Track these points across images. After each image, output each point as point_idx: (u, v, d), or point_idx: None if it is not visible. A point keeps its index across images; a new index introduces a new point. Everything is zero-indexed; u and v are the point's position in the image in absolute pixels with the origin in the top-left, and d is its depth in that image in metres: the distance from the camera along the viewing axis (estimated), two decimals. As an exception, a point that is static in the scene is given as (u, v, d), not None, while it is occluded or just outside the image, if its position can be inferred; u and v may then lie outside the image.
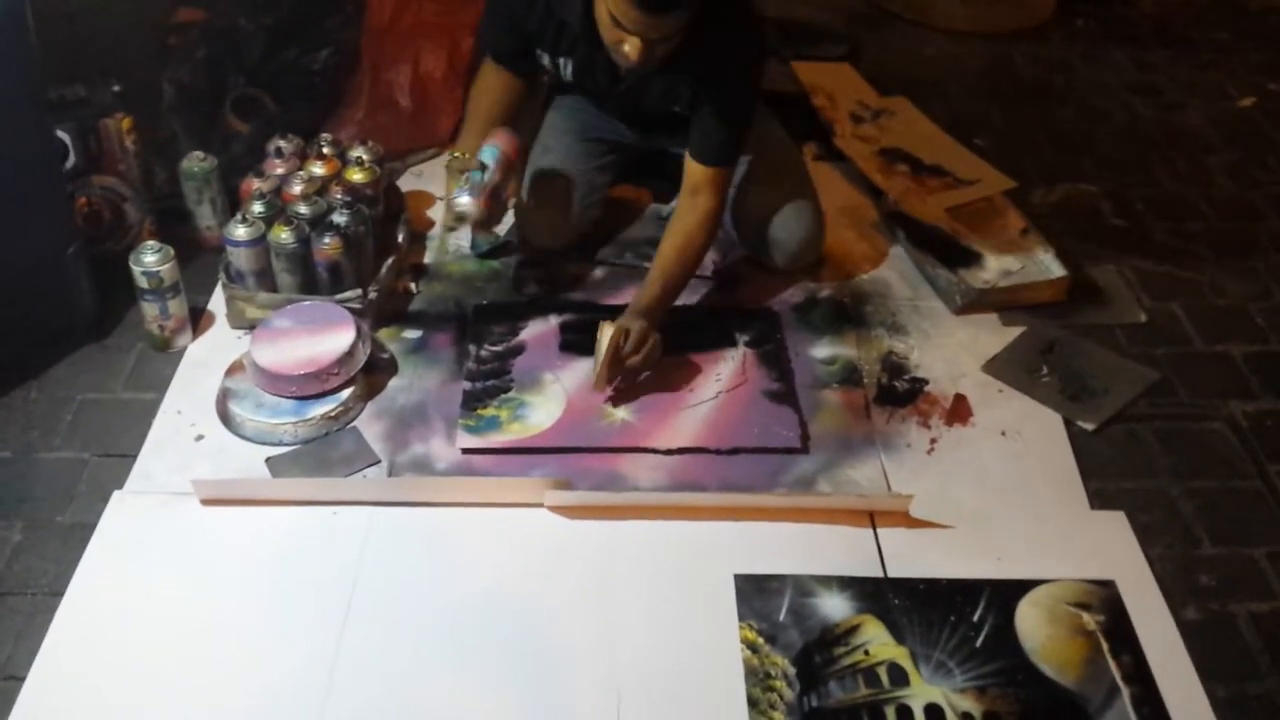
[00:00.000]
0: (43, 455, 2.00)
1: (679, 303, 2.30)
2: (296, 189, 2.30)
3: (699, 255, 2.27)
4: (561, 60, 2.21)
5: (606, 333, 2.07)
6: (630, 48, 1.93)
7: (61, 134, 2.22)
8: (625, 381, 2.12)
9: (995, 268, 2.45)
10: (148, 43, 2.59)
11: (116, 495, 1.91)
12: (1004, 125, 3.11)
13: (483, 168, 2.08)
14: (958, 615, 1.76)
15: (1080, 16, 3.76)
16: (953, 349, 2.29)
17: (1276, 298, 2.48)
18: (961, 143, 2.94)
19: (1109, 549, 1.89)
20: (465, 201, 2.06)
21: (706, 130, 2.18)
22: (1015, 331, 2.33)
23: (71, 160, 2.25)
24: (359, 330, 2.11)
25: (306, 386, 2.05)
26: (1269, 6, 3.86)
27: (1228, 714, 1.65)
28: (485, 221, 2.16)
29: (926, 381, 2.21)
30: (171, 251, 2.14)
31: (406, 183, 2.71)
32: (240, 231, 2.17)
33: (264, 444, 2.02)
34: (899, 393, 2.18)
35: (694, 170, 2.21)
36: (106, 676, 1.64)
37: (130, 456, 1.99)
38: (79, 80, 2.28)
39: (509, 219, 2.57)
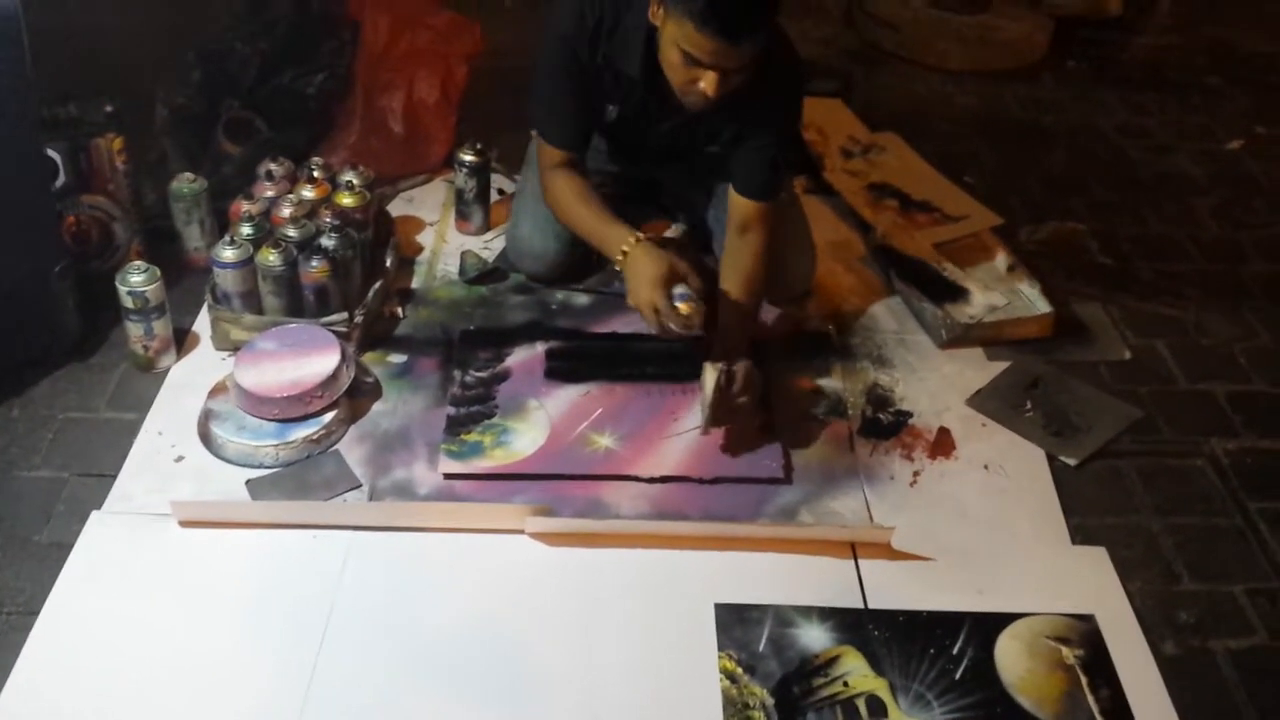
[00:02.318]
0: (22, 473, 1.99)
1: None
2: (286, 212, 2.30)
3: (762, 290, 2.22)
4: (610, 108, 2.20)
5: (710, 376, 2.03)
6: (706, 83, 1.91)
7: (52, 152, 2.22)
8: (733, 421, 2.09)
9: (981, 303, 2.45)
10: (142, 63, 2.60)
11: (95, 515, 1.90)
12: (994, 164, 3.13)
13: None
14: (937, 648, 1.76)
15: (1072, 58, 3.79)
16: (937, 383, 2.29)
17: (1260, 338, 2.49)
18: (951, 180, 2.95)
19: (1089, 584, 1.88)
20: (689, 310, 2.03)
21: (754, 166, 2.16)
22: (1000, 366, 2.34)
23: (61, 179, 2.25)
24: (344, 354, 2.11)
25: (289, 409, 2.04)
26: (1258, 52, 3.90)
27: (1205, 751, 1.65)
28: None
29: (911, 415, 2.21)
30: (158, 272, 2.14)
31: (396, 208, 2.72)
32: (228, 253, 2.18)
33: (245, 466, 2.01)
34: (883, 425, 2.18)
35: (742, 206, 2.17)
36: (80, 697, 1.63)
37: (110, 476, 1.98)
38: (72, 99, 2.29)
39: (499, 244, 2.59)
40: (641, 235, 2.10)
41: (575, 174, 2.24)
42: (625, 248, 2.08)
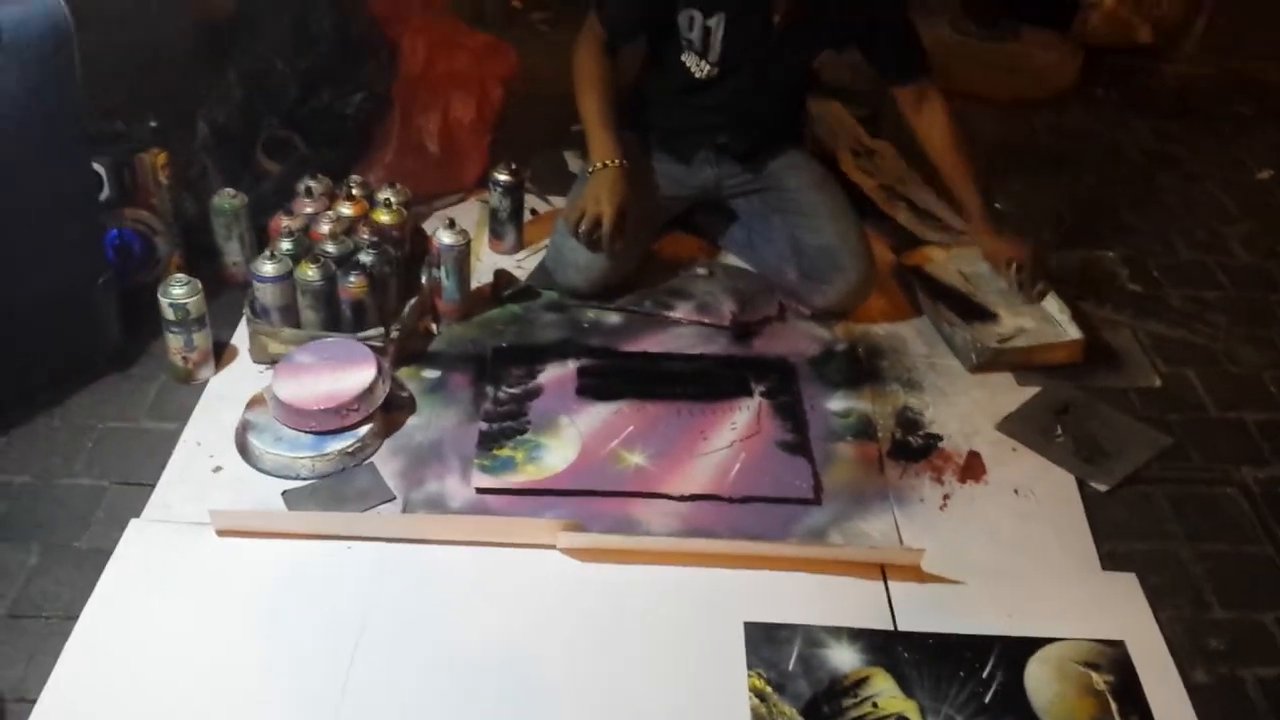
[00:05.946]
0: (62, 481, 2.02)
1: (697, 351, 2.35)
2: (324, 228, 2.34)
3: (965, 141, 2.54)
4: (713, 21, 2.30)
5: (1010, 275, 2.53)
6: None
7: (97, 166, 2.26)
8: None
9: (1011, 327, 2.47)
10: (185, 81, 2.65)
11: (134, 523, 1.92)
12: (1024, 190, 3.13)
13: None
14: (967, 671, 1.76)
15: (1101, 86, 3.80)
16: (967, 406, 2.30)
17: (1291, 367, 2.50)
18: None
19: (1119, 610, 1.88)
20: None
21: (896, 47, 2.45)
22: (1030, 391, 2.34)
23: (106, 192, 2.30)
24: (380, 368, 2.14)
25: (326, 422, 2.07)
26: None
27: (1235, 779, 1.65)
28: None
29: (941, 438, 2.22)
30: (199, 285, 2.17)
31: (432, 226, 2.74)
32: (268, 268, 2.21)
33: (281, 477, 2.04)
34: (913, 448, 2.19)
35: (904, 94, 2.51)
36: (117, 701, 1.65)
37: (149, 485, 2.00)
38: (117, 115, 2.33)
39: (531, 263, 2.61)
40: (624, 162, 2.33)
41: (603, 56, 2.39)
42: (606, 162, 2.33)
